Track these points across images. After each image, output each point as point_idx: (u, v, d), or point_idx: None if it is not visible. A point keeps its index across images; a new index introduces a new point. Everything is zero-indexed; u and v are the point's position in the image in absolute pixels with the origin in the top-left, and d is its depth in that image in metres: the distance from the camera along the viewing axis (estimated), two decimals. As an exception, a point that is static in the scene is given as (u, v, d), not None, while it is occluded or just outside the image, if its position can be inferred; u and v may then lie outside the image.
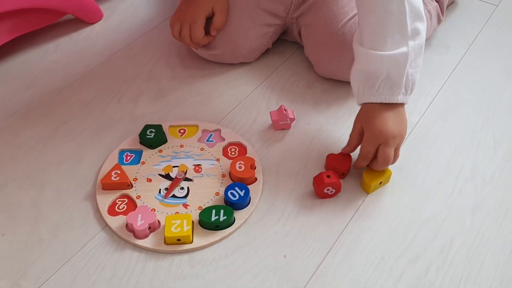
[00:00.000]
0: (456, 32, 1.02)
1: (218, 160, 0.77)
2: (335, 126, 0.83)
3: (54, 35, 0.99)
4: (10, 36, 0.90)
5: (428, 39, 0.98)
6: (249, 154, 0.78)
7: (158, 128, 0.79)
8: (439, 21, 0.98)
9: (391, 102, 0.71)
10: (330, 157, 0.76)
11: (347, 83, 0.89)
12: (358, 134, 0.74)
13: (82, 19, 1.01)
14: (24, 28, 0.92)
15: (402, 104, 0.72)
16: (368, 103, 0.72)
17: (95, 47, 0.97)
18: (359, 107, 0.79)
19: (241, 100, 0.87)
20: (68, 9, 0.96)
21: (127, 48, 0.97)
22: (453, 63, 0.95)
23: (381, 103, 0.71)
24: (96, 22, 1.02)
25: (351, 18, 0.85)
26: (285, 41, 0.98)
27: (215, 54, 0.91)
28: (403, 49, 0.69)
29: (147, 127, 0.79)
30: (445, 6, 0.99)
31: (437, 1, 0.97)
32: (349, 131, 0.82)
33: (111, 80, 0.90)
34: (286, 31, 0.97)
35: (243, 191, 0.70)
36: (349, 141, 0.75)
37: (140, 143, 0.79)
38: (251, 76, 0.92)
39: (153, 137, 0.77)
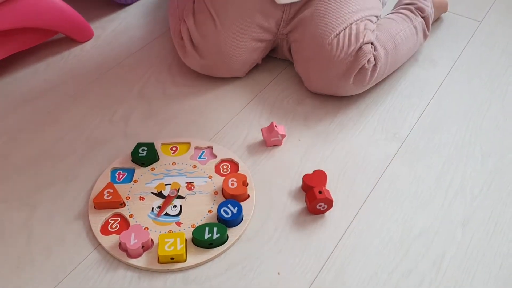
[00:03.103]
0: (442, 47, 1.04)
1: (210, 177, 0.77)
2: (326, 141, 0.84)
3: (44, 54, 0.99)
4: (1, 56, 0.90)
5: (414, 55, 1.00)
6: (241, 170, 0.78)
7: (150, 146, 0.79)
8: (425, 36, 1.00)
9: None
10: (306, 177, 0.76)
11: (337, 98, 0.91)
12: None
13: (73, 38, 1.01)
14: (15, 48, 0.92)
15: None
16: None
17: (86, 65, 0.97)
18: (349, 123, 0.80)
19: (233, 117, 0.88)
20: (59, 28, 0.97)
21: (118, 66, 0.97)
22: (440, 78, 0.97)
23: None
24: (87, 40, 1.02)
25: (339, 33, 0.87)
26: (275, 58, 0.99)
27: (205, 64, 0.92)
28: None
29: (139, 145, 0.79)
30: (430, 21, 1.01)
31: (422, 17, 0.99)
32: (340, 146, 0.83)
33: (102, 99, 0.91)
34: (276, 48, 0.98)
35: (236, 208, 0.70)
36: None
37: (132, 161, 0.79)
38: (242, 93, 0.93)
39: (145, 155, 0.78)
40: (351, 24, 0.87)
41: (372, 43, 0.87)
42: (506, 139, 0.86)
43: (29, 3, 0.89)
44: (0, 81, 0.94)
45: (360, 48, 0.85)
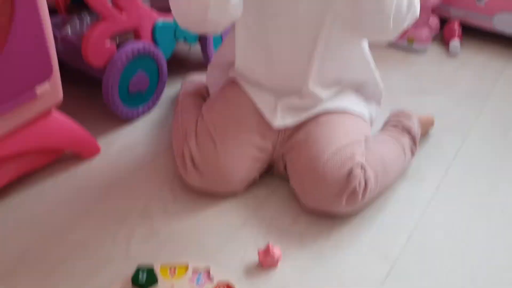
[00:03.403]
0: (430, 163, 1.09)
1: (207, 302, 0.79)
2: (320, 262, 0.87)
3: (51, 171, 1.04)
4: (9, 178, 0.95)
5: (403, 171, 1.05)
6: (238, 295, 0.81)
7: (150, 270, 0.82)
8: (412, 154, 1.06)
9: None
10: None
11: (331, 217, 0.94)
12: None
13: (81, 155, 1.07)
14: (23, 170, 0.97)
15: None
16: None
17: (91, 183, 1.02)
18: (342, 243, 0.86)
19: (230, 236, 0.92)
20: (68, 147, 1.03)
21: (123, 183, 1.02)
22: (428, 195, 1.01)
23: None
24: (94, 157, 1.08)
25: (330, 157, 0.92)
26: (271, 173, 1.05)
27: (205, 183, 0.97)
28: None
29: (139, 269, 0.82)
30: (417, 140, 1.07)
31: (409, 136, 1.05)
32: (333, 267, 0.86)
33: (107, 218, 0.95)
34: (272, 166, 1.03)
35: None
36: None
37: (133, 284, 0.81)
38: (240, 209, 0.97)
39: (145, 281, 0.80)
40: (342, 147, 0.93)
41: (362, 166, 0.93)
42: (494, 258, 0.89)
43: (41, 127, 0.96)
44: (5, 201, 0.97)
45: (350, 171, 0.91)
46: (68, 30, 1.19)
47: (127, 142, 1.13)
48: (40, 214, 0.95)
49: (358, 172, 0.91)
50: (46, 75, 0.92)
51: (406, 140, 1.04)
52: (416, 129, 1.07)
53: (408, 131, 1.06)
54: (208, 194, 0.99)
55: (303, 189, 0.95)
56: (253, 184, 1.02)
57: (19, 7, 0.83)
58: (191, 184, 0.99)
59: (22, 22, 0.84)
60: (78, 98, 1.21)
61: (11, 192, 0.99)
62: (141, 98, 1.18)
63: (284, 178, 1.03)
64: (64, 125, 1.01)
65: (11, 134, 0.92)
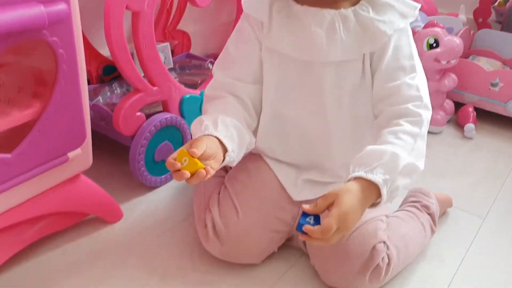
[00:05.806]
0: (449, 244, 1.09)
1: None
2: None
3: (74, 235, 1.05)
4: (31, 239, 0.96)
5: (423, 251, 1.05)
6: None
7: None
8: (432, 232, 1.06)
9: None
10: None
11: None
12: (328, 205, 0.79)
13: (104, 219, 1.08)
14: (46, 230, 0.99)
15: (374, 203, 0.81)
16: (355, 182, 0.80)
17: (112, 247, 1.03)
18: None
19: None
20: (92, 211, 1.05)
21: (142, 250, 1.03)
22: (449, 277, 1.00)
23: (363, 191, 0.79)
24: (116, 222, 1.09)
25: (352, 233, 0.93)
26: (291, 246, 1.05)
27: (226, 251, 0.97)
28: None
29: None
30: (436, 218, 1.08)
31: (428, 214, 1.06)
32: None
33: (125, 285, 0.95)
34: (292, 238, 1.04)
35: None
36: (318, 204, 0.79)
37: None
38: (258, 283, 0.97)
39: None
40: (364, 224, 0.94)
41: (384, 242, 0.93)
42: None
43: (69, 191, 0.98)
44: (27, 262, 0.98)
45: (374, 247, 0.91)
46: (100, 99, 1.25)
47: (149, 209, 1.15)
48: (59, 276, 0.95)
49: (381, 248, 0.91)
50: (80, 141, 0.96)
51: (425, 218, 1.05)
52: (435, 208, 1.08)
53: (427, 209, 1.07)
54: (226, 264, 0.99)
55: (325, 266, 0.95)
56: (272, 257, 1.01)
57: (61, 77, 0.88)
58: (211, 251, 0.99)
59: (62, 91, 0.89)
60: (102, 163, 1.24)
61: (31, 252, 1.00)
62: (165, 167, 1.21)
63: (303, 252, 1.03)
64: (91, 190, 1.03)
65: (40, 196, 0.94)
